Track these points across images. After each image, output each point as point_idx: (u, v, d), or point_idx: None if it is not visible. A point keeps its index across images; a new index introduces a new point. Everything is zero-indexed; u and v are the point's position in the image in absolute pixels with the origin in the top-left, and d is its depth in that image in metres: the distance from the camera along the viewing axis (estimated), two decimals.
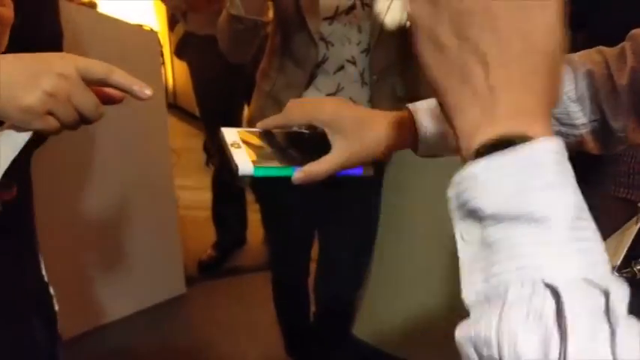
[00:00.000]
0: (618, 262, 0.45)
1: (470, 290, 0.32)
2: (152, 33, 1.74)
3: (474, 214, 0.32)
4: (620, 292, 0.28)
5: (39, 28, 0.53)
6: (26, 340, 0.87)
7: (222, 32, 1.15)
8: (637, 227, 0.48)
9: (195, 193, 2.65)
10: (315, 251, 1.50)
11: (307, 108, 0.57)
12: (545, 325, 0.27)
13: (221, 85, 1.99)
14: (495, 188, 0.30)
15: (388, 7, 1.15)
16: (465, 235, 0.33)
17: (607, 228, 0.55)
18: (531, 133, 0.30)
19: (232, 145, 0.50)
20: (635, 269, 0.43)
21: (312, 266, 1.52)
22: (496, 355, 0.29)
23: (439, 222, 1.70)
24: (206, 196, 2.34)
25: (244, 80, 2.01)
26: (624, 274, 0.43)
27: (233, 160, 0.48)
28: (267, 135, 0.55)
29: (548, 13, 0.31)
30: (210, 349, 1.82)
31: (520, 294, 0.28)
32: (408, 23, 1.20)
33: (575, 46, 1.30)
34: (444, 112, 0.33)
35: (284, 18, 1.17)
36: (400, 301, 1.67)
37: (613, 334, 0.27)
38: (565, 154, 0.30)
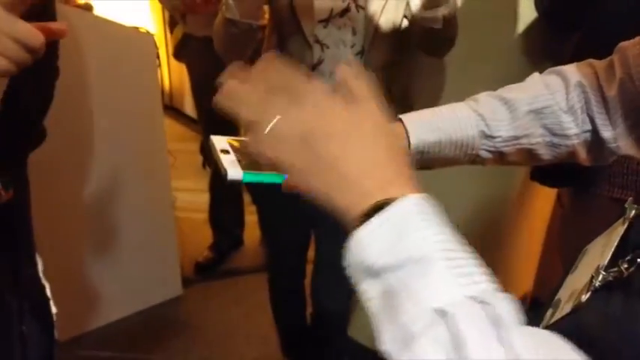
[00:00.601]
0: (605, 262, 0.46)
1: (384, 339, 0.35)
2: (148, 35, 1.74)
3: (370, 272, 0.37)
4: (504, 304, 0.33)
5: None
6: (16, 344, 0.87)
7: (218, 35, 1.16)
8: (624, 227, 0.49)
9: (192, 194, 2.65)
10: (311, 253, 1.51)
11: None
12: (447, 345, 0.31)
13: (218, 87, 1.99)
14: (378, 244, 0.36)
15: (382, 9, 1.16)
16: (369, 291, 0.37)
17: (601, 228, 0.55)
18: (392, 195, 0.37)
19: (222, 151, 0.51)
20: (622, 268, 0.43)
21: (309, 268, 1.53)
22: None
23: None
24: (203, 198, 2.35)
25: None
26: (611, 274, 0.44)
27: (222, 166, 0.49)
28: None
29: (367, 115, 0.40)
30: (207, 350, 1.82)
31: (422, 326, 0.33)
32: (403, 24, 1.21)
33: (568, 47, 1.31)
34: (335, 213, 0.40)
35: (279, 21, 1.18)
36: None
37: (504, 337, 0.31)
38: (427, 202, 0.37)
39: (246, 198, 2.20)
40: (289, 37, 1.18)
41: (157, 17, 3.92)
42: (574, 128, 0.58)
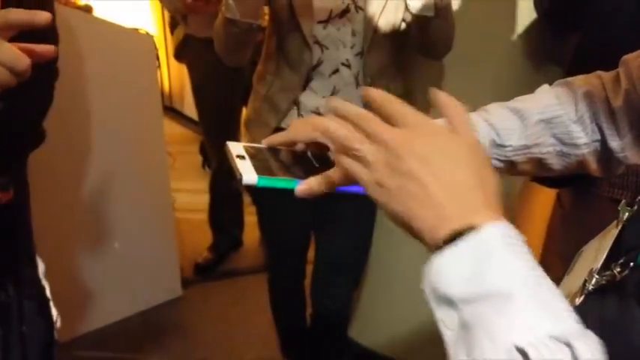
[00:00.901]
0: (598, 266, 0.46)
1: None
2: (148, 36, 1.74)
3: (447, 301, 0.36)
4: (584, 343, 0.31)
5: (34, 32, 0.53)
6: (16, 345, 0.87)
7: (218, 35, 1.16)
8: (617, 230, 0.49)
9: (192, 195, 2.65)
10: (311, 253, 1.51)
11: (310, 123, 0.58)
12: None
13: (220, 87, 1.99)
14: (456, 275, 0.35)
15: (381, 10, 1.16)
16: (446, 321, 0.37)
17: (601, 229, 0.55)
18: (477, 223, 0.36)
19: (237, 156, 0.51)
20: (614, 271, 0.43)
21: (309, 268, 1.53)
22: None
23: None
24: (202, 199, 2.35)
25: (243, 83, 2.01)
26: (604, 277, 0.44)
27: (237, 170, 0.49)
28: (272, 151, 0.56)
29: (461, 139, 0.40)
30: (206, 351, 1.82)
31: None
32: (402, 25, 1.21)
33: (568, 47, 1.31)
34: (412, 234, 0.40)
35: (279, 22, 1.18)
36: (396, 303, 1.67)
37: None
38: (512, 232, 0.36)
39: (246, 199, 2.20)
40: (288, 38, 1.18)
41: (156, 18, 3.92)
42: (583, 138, 0.59)
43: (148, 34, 1.74)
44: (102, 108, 1.64)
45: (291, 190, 0.51)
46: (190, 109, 3.84)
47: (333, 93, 1.20)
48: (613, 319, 0.39)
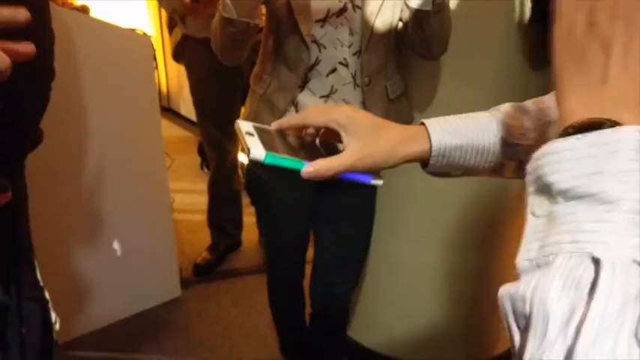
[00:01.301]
0: None
1: (523, 257, 0.33)
2: (145, 37, 1.74)
3: (547, 189, 0.33)
4: None
5: (30, 33, 0.53)
6: (15, 346, 0.87)
7: (215, 35, 1.16)
8: None
9: (190, 196, 2.65)
10: (310, 253, 1.51)
11: (324, 110, 0.57)
12: (579, 294, 0.28)
13: (219, 87, 1.99)
14: (571, 166, 0.32)
15: (379, 9, 1.16)
16: (537, 209, 0.34)
17: None
18: (622, 120, 0.32)
19: (247, 133, 0.51)
20: None
21: (308, 268, 1.53)
22: (527, 310, 0.30)
23: (432, 224, 1.72)
24: (201, 200, 2.35)
25: (241, 83, 2.02)
26: None
27: (246, 145, 0.49)
28: (281, 133, 0.56)
29: None
30: (205, 352, 1.82)
31: (566, 263, 0.30)
32: (399, 25, 1.21)
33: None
34: (557, 93, 0.35)
35: (276, 21, 1.18)
36: (395, 303, 1.67)
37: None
38: None
39: (245, 199, 2.21)
40: (286, 37, 1.18)
41: (153, 19, 3.92)
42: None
43: (145, 34, 1.74)
44: (99, 109, 1.64)
45: (297, 171, 0.51)
46: (188, 111, 3.84)
47: (331, 92, 1.21)
48: None
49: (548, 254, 0.32)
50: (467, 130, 0.59)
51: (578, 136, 0.32)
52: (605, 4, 0.33)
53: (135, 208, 1.81)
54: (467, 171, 0.61)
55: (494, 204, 1.48)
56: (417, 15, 1.12)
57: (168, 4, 1.89)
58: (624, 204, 0.30)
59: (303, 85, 1.20)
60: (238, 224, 2.35)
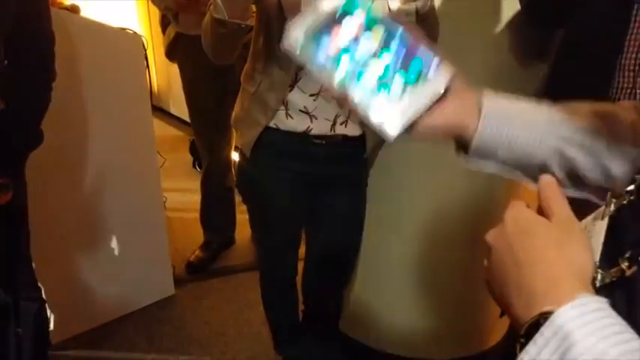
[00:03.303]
0: (597, 260, 0.45)
1: None
2: (136, 36, 1.73)
3: None
4: None
5: (33, 35, 0.54)
6: (11, 345, 0.88)
7: (206, 35, 1.16)
8: (606, 221, 0.48)
9: (183, 195, 2.65)
10: (302, 250, 1.52)
11: None
12: None
13: (211, 86, 1.99)
14: None
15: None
16: None
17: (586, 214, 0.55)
18: (554, 307, 0.36)
19: None
20: (622, 266, 0.43)
21: (300, 265, 1.54)
22: None
23: (424, 221, 1.72)
24: (194, 198, 2.35)
25: (234, 81, 2.02)
26: (611, 273, 0.44)
27: None
28: None
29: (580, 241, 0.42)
30: (200, 350, 1.83)
31: None
32: None
33: (553, 44, 1.33)
34: (508, 315, 0.42)
35: (267, 20, 1.19)
36: (387, 298, 1.69)
37: None
38: (590, 306, 0.36)
39: (238, 197, 2.21)
40: (278, 36, 1.19)
41: (144, 18, 3.90)
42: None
43: (135, 33, 1.74)
44: (92, 109, 1.64)
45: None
46: (178, 109, 3.83)
47: (321, 91, 1.22)
48: (623, 315, 0.38)
49: None
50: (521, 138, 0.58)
51: (530, 344, 0.36)
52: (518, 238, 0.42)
53: (128, 207, 1.82)
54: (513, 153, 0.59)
55: (484, 199, 1.50)
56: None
57: (161, 1, 1.89)
58: None
59: (292, 84, 1.21)
60: (231, 222, 2.36)
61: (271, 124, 1.25)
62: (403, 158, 1.49)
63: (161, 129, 3.63)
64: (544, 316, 0.37)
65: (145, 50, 1.73)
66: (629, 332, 0.35)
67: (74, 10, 1.66)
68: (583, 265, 0.41)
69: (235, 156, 2.27)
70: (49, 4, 1.06)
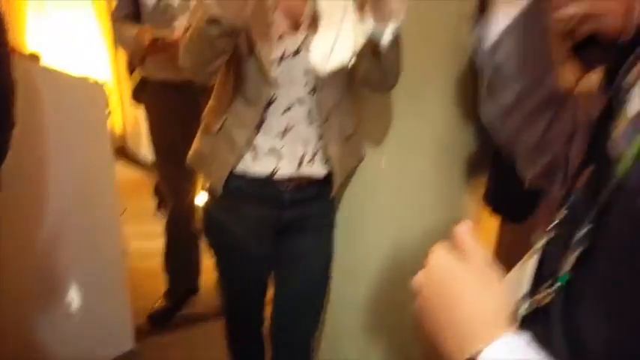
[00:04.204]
0: (525, 292, 0.49)
1: None
2: (98, 85, 1.73)
3: None
4: None
5: None
6: None
7: (192, 44, 1.13)
8: (535, 258, 0.52)
9: (146, 240, 2.59)
10: (270, 293, 1.49)
11: None
12: None
13: (177, 126, 1.98)
14: None
15: (331, 50, 1.21)
16: None
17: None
18: (483, 346, 0.40)
19: None
20: (542, 295, 0.47)
21: (267, 311, 1.51)
22: None
23: (388, 266, 1.70)
24: (156, 244, 2.29)
25: (199, 122, 2.03)
26: (533, 303, 0.47)
27: None
28: None
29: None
30: None
31: None
32: (351, 63, 1.25)
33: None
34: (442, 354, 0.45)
35: (235, 57, 1.19)
36: (360, 345, 1.67)
37: None
38: (511, 345, 0.40)
39: (204, 241, 2.17)
40: (246, 73, 1.19)
41: (112, 62, 3.91)
42: None
43: (97, 82, 1.74)
44: (51, 157, 1.61)
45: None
46: (145, 152, 3.80)
47: (286, 130, 1.23)
48: (543, 342, 0.42)
49: None
50: None
51: None
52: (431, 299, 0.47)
53: (86, 258, 1.76)
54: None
55: (455, 211, 1.50)
56: (371, 50, 1.16)
57: (128, 45, 1.91)
58: None
59: (260, 123, 1.22)
60: (196, 268, 2.30)
61: (238, 169, 1.25)
62: (370, 199, 1.50)
63: (126, 172, 3.58)
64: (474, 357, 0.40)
65: (107, 98, 1.72)
66: None
67: (34, 58, 1.66)
68: (502, 302, 0.45)
69: (201, 199, 2.25)
70: (9, 52, 1.06)
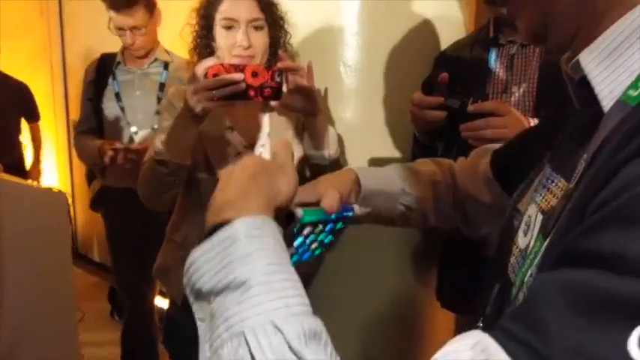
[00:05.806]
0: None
1: (201, 357, 0.38)
2: (61, 194, 1.78)
3: (201, 294, 0.40)
4: (294, 329, 0.35)
5: None
6: None
7: (145, 179, 1.21)
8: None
9: (102, 349, 2.48)
10: None
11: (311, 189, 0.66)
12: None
13: (137, 232, 2.01)
14: (207, 267, 0.39)
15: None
16: (200, 314, 0.40)
17: None
18: (231, 217, 0.41)
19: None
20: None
21: None
22: None
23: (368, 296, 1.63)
24: (111, 351, 2.21)
25: (158, 230, 2.06)
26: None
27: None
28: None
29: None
30: None
31: (230, 349, 0.35)
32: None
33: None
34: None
35: (195, 172, 1.26)
36: None
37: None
38: (262, 224, 0.41)
39: (162, 348, 2.12)
40: (205, 187, 1.26)
41: (62, 171, 3.95)
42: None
43: (60, 192, 1.78)
44: (7, 267, 1.59)
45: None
46: (100, 256, 3.73)
47: None
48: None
49: (216, 348, 0.36)
50: (382, 179, 0.73)
51: (205, 241, 0.41)
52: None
53: None
54: (383, 218, 0.73)
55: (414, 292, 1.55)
56: (315, 165, 1.25)
57: (89, 158, 1.99)
58: (253, 280, 0.37)
59: None
60: None
61: None
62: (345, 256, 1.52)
63: (79, 276, 3.47)
64: (226, 222, 0.41)
65: (69, 207, 1.76)
66: (280, 256, 0.40)
67: None
68: (278, 193, 0.48)
69: (160, 305, 2.18)
70: None
